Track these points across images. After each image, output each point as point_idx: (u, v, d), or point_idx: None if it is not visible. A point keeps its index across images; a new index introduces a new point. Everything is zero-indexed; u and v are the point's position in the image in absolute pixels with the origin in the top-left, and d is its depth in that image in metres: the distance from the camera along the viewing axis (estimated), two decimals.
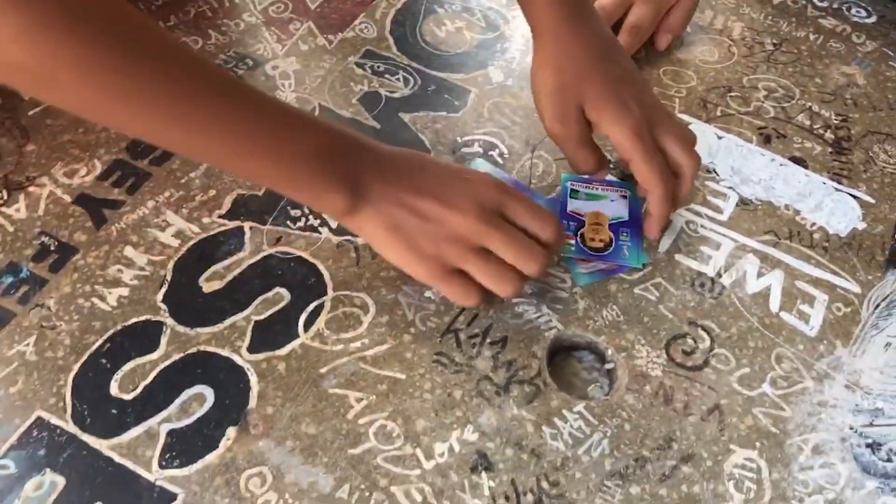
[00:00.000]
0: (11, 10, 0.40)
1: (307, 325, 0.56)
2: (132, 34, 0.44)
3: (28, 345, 0.53)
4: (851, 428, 0.54)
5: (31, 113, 0.66)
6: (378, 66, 0.72)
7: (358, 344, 0.55)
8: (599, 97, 0.59)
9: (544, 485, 0.50)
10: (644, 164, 0.58)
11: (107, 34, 0.43)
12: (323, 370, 0.54)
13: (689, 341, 0.57)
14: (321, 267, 0.59)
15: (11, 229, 0.59)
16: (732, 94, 0.73)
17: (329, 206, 0.52)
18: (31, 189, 0.61)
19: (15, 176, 0.62)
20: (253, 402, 0.52)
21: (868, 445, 0.54)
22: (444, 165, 0.55)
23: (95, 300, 0.56)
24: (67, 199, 0.61)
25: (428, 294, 0.58)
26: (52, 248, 0.58)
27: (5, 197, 0.60)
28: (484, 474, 0.50)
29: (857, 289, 0.61)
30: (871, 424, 0.55)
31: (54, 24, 0.41)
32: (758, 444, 0.53)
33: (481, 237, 0.52)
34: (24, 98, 0.66)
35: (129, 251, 0.58)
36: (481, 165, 0.65)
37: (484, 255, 0.52)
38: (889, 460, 0.53)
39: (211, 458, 0.49)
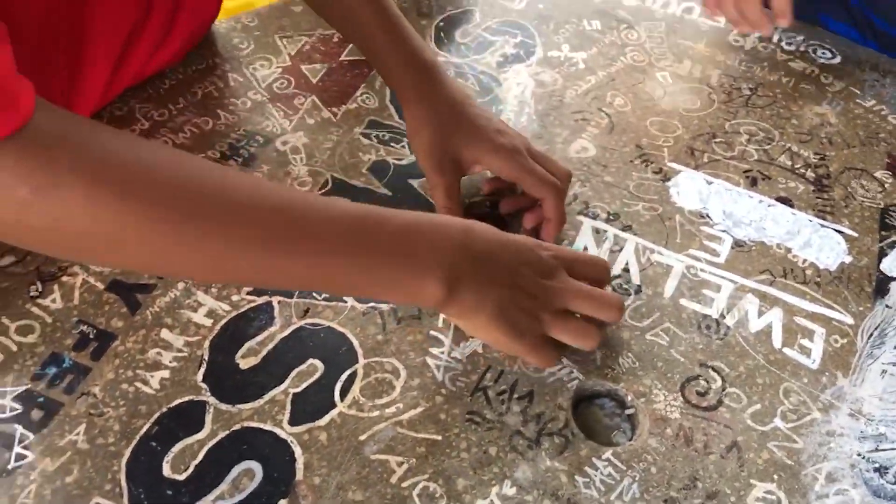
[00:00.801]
0: (70, 176, 0.43)
1: (343, 394, 0.59)
2: (191, 183, 0.48)
3: (79, 434, 0.55)
4: (859, 454, 0.58)
5: None
6: (383, 135, 0.75)
7: (393, 409, 0.58)
8: (472, 137, 0.68)
9: None
10: (532, 176, 0.66)
11: (166, 188, 0.46)
12: (363, 437, 0.56)
13: (702, 382, 0.61)
14: (350, 335, 0.62)
15: (50, 320, 0.61)
16: (717, 139, 0.78)
17: (427, 300, 0.56)
18: (63, 279, 0.63)
19: (47, 267, 0.64)
20: (300, 474, 0.54)
21: (876, 470, 0.58)
22: (507, 235, 0.59)
23: (139, 384, 0.58)
24: (100, 286, 0.63)
25: (455, 354, 0.61)
26: (92, 335, 0.60)
27: (40, 289, 0.63)
28: None
29: (850, 320, 0.65)
30: (876, 450, 0.59)
31: (115, 185, 0.45)
32: (775, 476, 0.56)
33: (566, 299, 0.57)
34: None
35: (165, 334, 0.61)
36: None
37: (568, 316, 0.58)
38: None
39: None
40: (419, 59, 0.69)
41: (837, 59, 0.86)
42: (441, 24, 0.89)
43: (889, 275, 0.69)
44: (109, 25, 0.68)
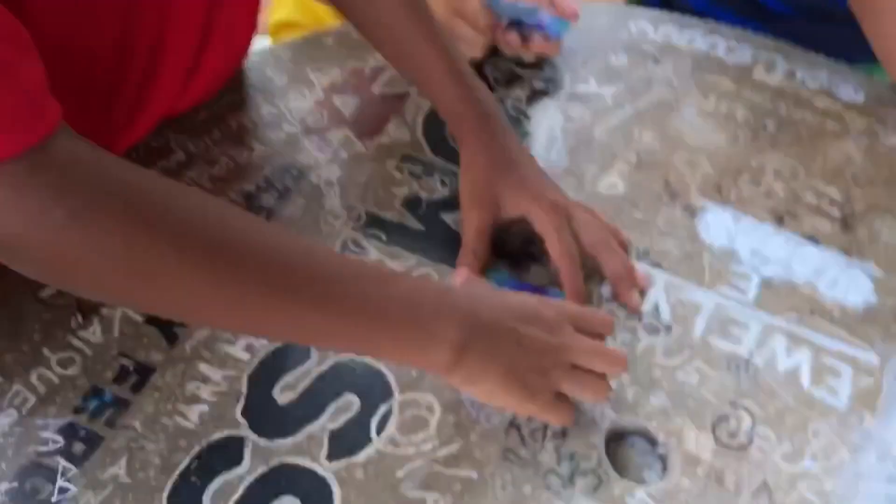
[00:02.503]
0: (107, 199, 0.44)
1: (379, 430, 0.59)
2: (230, 230, 0.50)
3: (120, 467, 0.56)
4: (888, 496, 0.59)
5: None
6: (416, 170, 0.76)
7: (429, 446, 0.59)
8: (520, 185, 0.69)
9: None
10: (555, 238, 0.67)
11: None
12: (399, 474, 0.57)
13: (733, 422, 0.62)
14: (385, 370, 0.62)
15: (90, 353, 0.62)
16: (743, 176, 0.79)
17: (432, 366, 0.57)
18: (103, 311, 0.64)
19: (87, 300, 0.65)
20: None
21: None
22: (508, 296, 0.60)
23: (178, 418, 0.59)
24: (139, 318, 0.64)
25: None
26: (132, 368, 0.61)
27: (80, 321, 0.64)
28: None
29: (876, 361, 0.66)
30: None
31: (150, 213, 0.46)
32: None
33: (574, 355, 0.57)
34: None
35: (203, 367, 0.62)
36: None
37: (576, 371, 0.58)
38: None
39: None
40: (481, 104, 0.72)
41: (861, 97, 0.87)
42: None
43: None
44: (181, 43, 0.70)
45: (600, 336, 0.61)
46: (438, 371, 0.57)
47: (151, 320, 0.64)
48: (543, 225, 0.67)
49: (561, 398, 0.59)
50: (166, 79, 0.71)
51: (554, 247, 0.67)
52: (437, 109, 0.75)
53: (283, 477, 0.57)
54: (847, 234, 0.75)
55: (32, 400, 0.59)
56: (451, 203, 0.74)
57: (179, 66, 0.71)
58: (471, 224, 0.69)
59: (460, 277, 0.63)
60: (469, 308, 0.56)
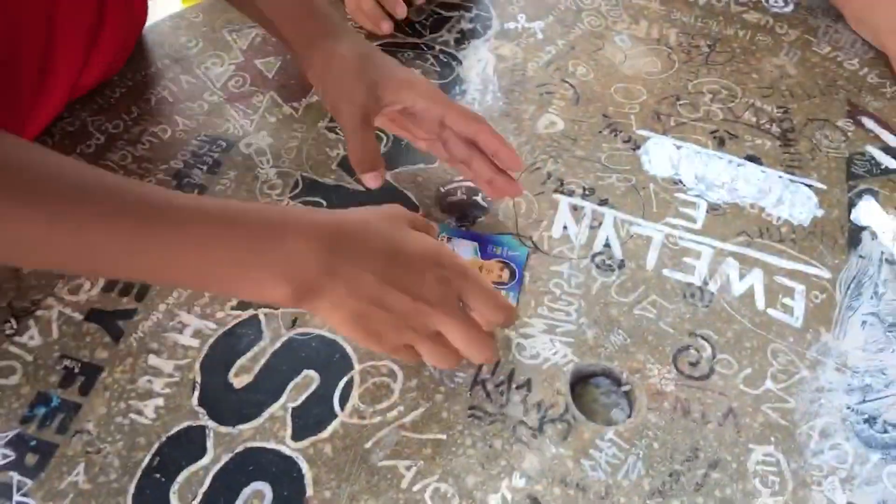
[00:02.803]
0: None
1: (342, 403, 0.58)
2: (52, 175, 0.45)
3: (78, 474, 0.54)
4: (848, 407, 0.60)
5: None
6: None
7: (394, 412, 0.58)
8: (388, 79, 0.64)
9: None
10: (458, 111, 0.63)
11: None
12: (368, 445, 0.56)
13: (693, 352, 0.62)
14: (341, 342, 0.61)
15: (30, 358, 0.59)
16: (681, 102, 0.78)
17: (269, 299, 0.51)
18: (38, 313, 0.61)
19: (19, 302, 0.62)
20: (310, 490, 0.54)
21: (865, 421, 0.59)
22: (393, 239, 0.54)
23: (133, 416, 0.57)
24: (79, 316, 0.61)
25: None
26: (77, 370, 0.59)
27: (15, 326, 0.60)
28: None
29: (827, 274, 0.67)
30: (863, 401, 0.60)
31: None
32: (772, 438, 0.58)
33: (439, 324, 0.53)
34: None
35: (153, 360, 0.59)
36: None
37: (436, 339, 0.54)
38: (886, 431, 0.59)
39: None
40: (318, 12, 0.66)
41: (790, 8, 0.87)
42: None
43: (859, 224, 0.70)
44: (72, 30, 0.65)
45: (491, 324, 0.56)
46: (284, 301, 0.51)
47: (92, 317, 0.61)
48: (436, 105, 0.63)
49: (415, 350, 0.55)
50: (65, 51, 0.66)
51: (460, 118, 0.63)
52: (283, 38, 0.69)
53: (249, 462, 0.55)
54: (787, 149, 0.75)
55: None
56: (390, 159, 0.72)
57: (78, 36, 0.67)
58: (355, 140, 0.63)
59: (373, 183, 0.61)
60: (330, 245, 0.51)
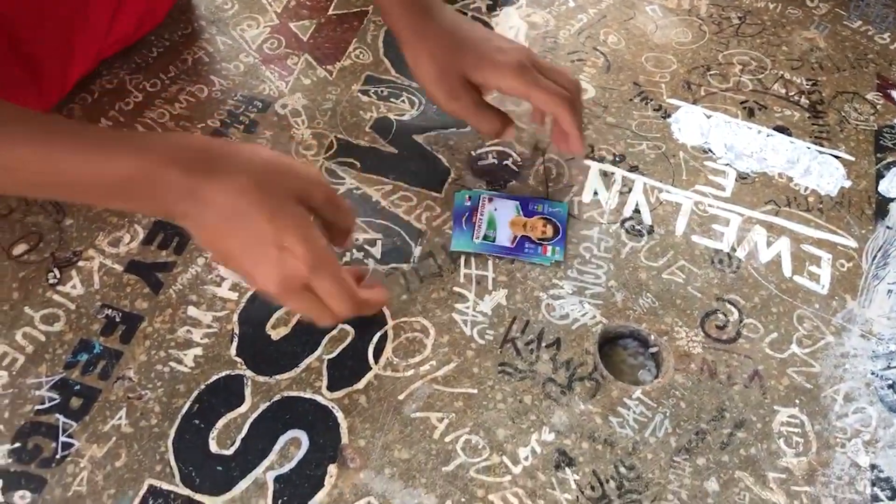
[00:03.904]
0: None
1: (376, 356, 0.60)
2: None
3: (121, 418, 0.56)
4: (873, 373, 0.61)
5: None
6: (382, 91, 0.75)
7: (427, 367, 0.59)
8: (476, 59, 0.64)
9: (622, 470, 0.55)
10: (542, 91, 0.64)
11: None
12: (401, 397, 0.58)
13: (721, 316, 0.63)
14: None
15: (73, 307, 0.61)
16: (712, 72, 0.78)
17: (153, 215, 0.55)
18: (80, 264, 0.63)
19: (61, 253, 0.63)
20: (345, 438, 0.56)
21: (889, 387, 0.60)
22: (269, 181, 0.52)
23: (173, 364, 0.58)
24: (119, 268, 0.63)
25: (480, 308, 0.62)
26: (118, 319, 0.60)
27: (58, 275, 0.62)
28: (568, 470, 0.55)
29: (854, 244, 0.68)
30: (888, 367, 0.61)
31: None
32: (797, 400, 0.59)
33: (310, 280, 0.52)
34: None
35: (192, 311, 0.61)
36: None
37: (306, 294, 0.53)
38: None
39: (321, 496, 0.53)
40: None
41: None
42: None
43: (887, 196, 0.71)
44: None
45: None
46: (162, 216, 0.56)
47: (132, 268, 0.63)
48: (519, 90, 0.64)
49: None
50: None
51: (542, 101, 0.64)
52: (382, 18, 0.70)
53: (286, 411, 0.57)
54: (816, 121, 0.75)
55: (21, 359, 0.58)
56: (423, 123, 0.73)
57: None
58: (469, 113, 0.66)
59: (510, 135, 0.67)
60: (192, 160, 0.51)
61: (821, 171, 0.72)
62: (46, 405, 0.56)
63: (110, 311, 0.61)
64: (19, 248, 0.63)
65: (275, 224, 0.50)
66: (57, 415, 0.56)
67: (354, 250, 0.64)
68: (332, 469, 0.54)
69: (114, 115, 0.71)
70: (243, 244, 0.51)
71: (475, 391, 0.58)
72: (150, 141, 0.52)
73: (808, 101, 0.77)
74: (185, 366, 0.58)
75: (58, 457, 0.54)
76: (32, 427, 0.55)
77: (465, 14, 0.82)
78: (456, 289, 0.63)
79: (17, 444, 0.54)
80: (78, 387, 0.57)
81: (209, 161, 0.51)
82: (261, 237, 0.50)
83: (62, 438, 0.55)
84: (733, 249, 0.67)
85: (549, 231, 0.66)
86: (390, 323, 0.61)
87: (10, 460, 0.54)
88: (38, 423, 0.55)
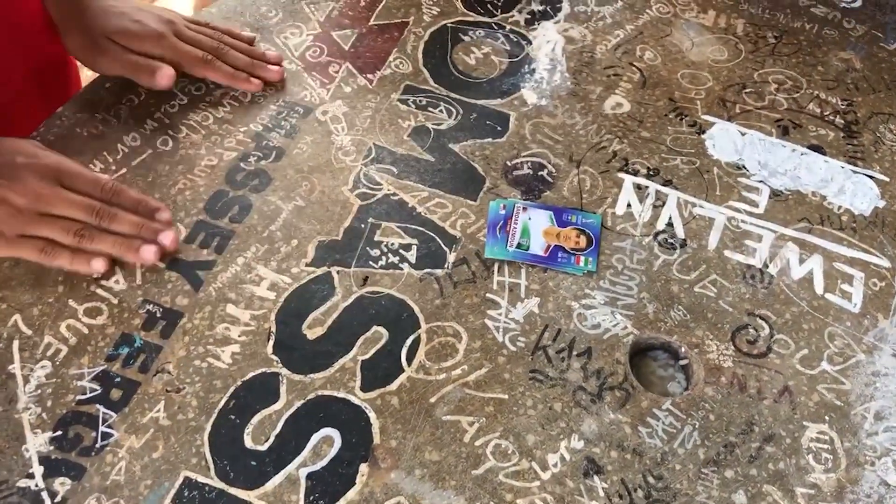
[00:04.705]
0: None
1: (409, 359, 0.61)
2: None
3: (159, 411, 0.57)
4: None
5: None
6: (420, 100, 0.76)
7: (458, 371, 0.60)
8: (121, 29, 0.73)
9: (650, 479, 0.56)
10: (179, 55, 0.75)
11: None
12: (433, 399, 0.59)
13: (752, 331, 0.63)
14: (409, 301, 0.63)
15: (116, 301, 0.62)
16: (747, 90, 0.79)
17: None
18: (123, 261, 0.64)
19: None
20: (377, 438, 0.57)
21: None
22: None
23: (211, 360, 0.60)
24: (161, 265, 0.64)
25: (512, 315, 0.63)
26: (159, 314, 0.62)
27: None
28: (596, 478, 0.56)
29: (887, 263, 0.68)
30: None
31: None
32: (826, 417, 0.59)
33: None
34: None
35: (231, 309, 0.62)
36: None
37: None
38: None
39: (351, 495, 0.54)
40: None
41: (858, 3, 0.87)
42: None
43: None
44: None
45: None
46: None
47: (173, 265, 0.64)
48: (158, 53, 0.73)
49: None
50: None
51: (189, 65, 0.74)
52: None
53: (320, 410, 0.58)
54: (851, 141, 0.76)
55: (64, 350, 0.59)
56: (460, 132, 0.74)
57: None
58: (119, 69, 0.74)
59: (165, 81, 0.73)
60: None
61: (855, 190, 0.72)
62: (88, 395, 0.58)
63: (151, 306, 0.62)
64: None
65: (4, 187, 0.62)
66: (97, 405, 0.57)
67: (390, 255, 0.66)
68: (364, 468, 0.55)
69: (159, 117, 0.73)
70: None
71: (506, 397, 0.59)
72: None
73: (842, 121, 0.77)
74: (223, 362, 0.60)
75: (97, 446, 0.55)
76: (74, 416, 0.56)
77: (504, 27, 0.83)
78: (489, 295, 0.64)
79: (59, 433, 0.56)
80: (118, 379, 0.58)
81: None
82: None
83: (102, 428, 0.56)
84: (765, 265, 0.67)
85: (583, 241, 0.67)
86: (424, 327, 0.62)
87: (51, 447, 0.55)
88: (79, 412, 0.57)
